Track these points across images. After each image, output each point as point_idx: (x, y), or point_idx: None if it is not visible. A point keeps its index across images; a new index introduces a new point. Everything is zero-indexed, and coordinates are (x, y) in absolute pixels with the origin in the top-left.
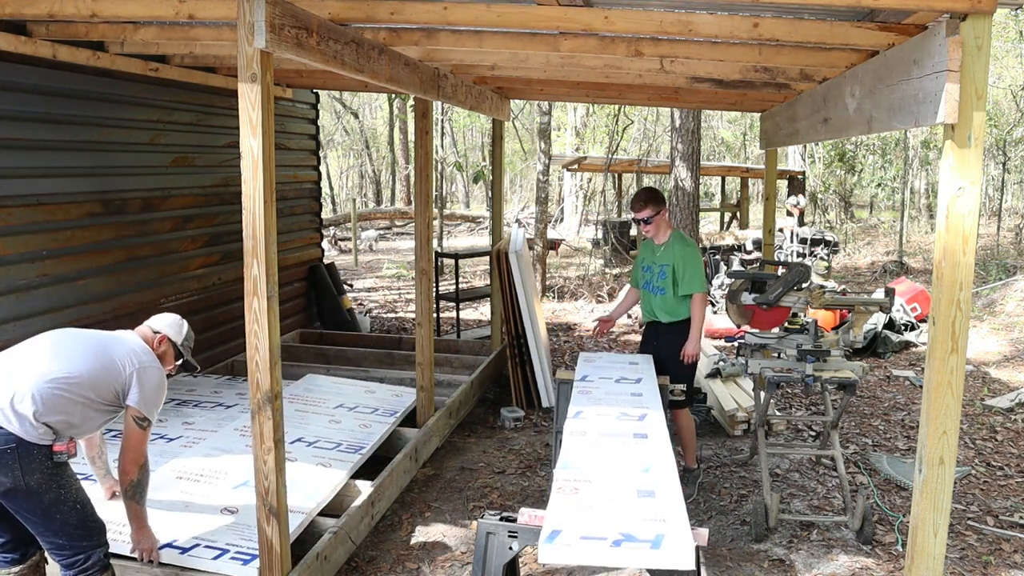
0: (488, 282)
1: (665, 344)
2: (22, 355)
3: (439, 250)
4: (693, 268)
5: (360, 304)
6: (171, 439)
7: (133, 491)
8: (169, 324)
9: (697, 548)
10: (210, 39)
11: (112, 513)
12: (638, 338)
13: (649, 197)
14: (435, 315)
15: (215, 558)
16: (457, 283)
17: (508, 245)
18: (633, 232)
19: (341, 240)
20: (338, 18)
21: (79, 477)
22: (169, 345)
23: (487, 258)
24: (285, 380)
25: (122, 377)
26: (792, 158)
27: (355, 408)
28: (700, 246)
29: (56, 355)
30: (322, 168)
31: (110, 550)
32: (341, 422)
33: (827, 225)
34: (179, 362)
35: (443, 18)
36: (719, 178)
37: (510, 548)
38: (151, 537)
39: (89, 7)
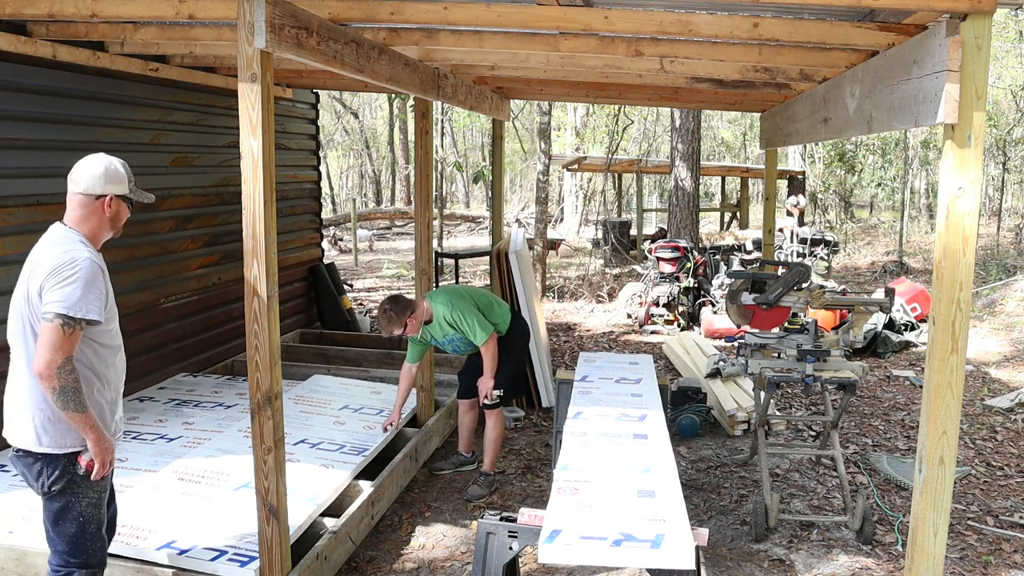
0: (488, 282)
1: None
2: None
3: (439, 250)
4: (471, 322)
5: (360, 304)
6: (171, 439)
7: (61, 401)
8: (96, 177)
9: (697, 548)
10: (210, 39)
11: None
12: (638, 338)
13: (388, 319)
14: None
15: (213, 559)
16: (457, 283)
17: (508, 245)
18: (633, 232)
19: (341, 240)
20: (338, 18)
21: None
22: (119, 202)
23: (487, 258)
24: (287, 380)
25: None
26: (792, 158)
27: (360, 409)
28: (700, 246)
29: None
30: (322, 168)
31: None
32: (346, 423)
33: (827, 225)
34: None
35: (443, 18)
36: (719, 178)
37: (510, 548)
38: (109, 447)
39: (89, 7)
